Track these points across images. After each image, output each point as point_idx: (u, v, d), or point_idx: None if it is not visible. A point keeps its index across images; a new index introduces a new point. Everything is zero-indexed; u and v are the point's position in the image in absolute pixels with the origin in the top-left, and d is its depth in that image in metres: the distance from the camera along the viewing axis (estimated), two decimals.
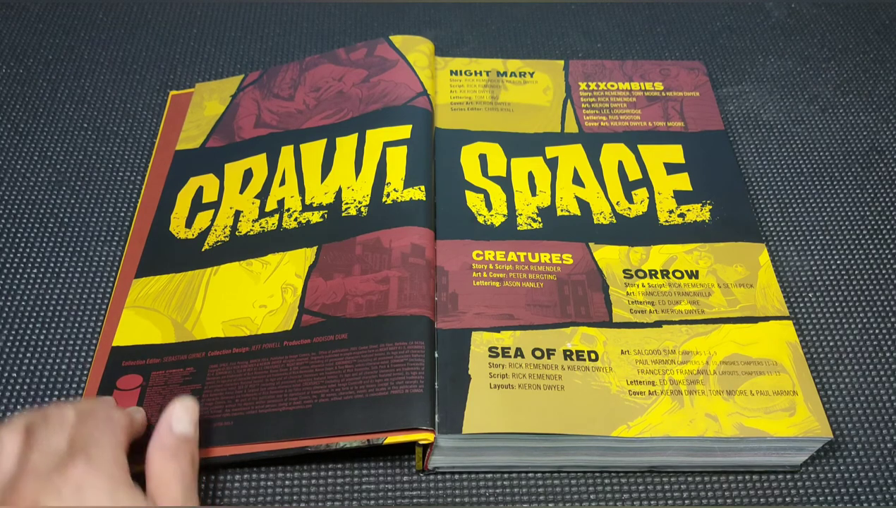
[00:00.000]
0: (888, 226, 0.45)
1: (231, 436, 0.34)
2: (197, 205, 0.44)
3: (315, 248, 0.40)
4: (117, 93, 0.52)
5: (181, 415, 0.31)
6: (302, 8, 0.58)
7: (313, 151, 0.45)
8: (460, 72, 0.50)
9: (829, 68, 0.54)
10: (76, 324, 0.40)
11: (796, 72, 0.54)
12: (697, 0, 0.59)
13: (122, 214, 0.45)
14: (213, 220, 0.43)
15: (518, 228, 0.41)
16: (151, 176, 0.46)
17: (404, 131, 0.44)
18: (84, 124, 0.50)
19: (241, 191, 0.44)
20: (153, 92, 0.52)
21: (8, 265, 0.43)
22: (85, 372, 0.38)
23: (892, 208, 0.46)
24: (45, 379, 0.38)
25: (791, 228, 0.45)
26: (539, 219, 0.42)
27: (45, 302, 0.41)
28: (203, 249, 0.42)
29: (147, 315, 0.39)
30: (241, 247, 0.41)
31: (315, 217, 0.42)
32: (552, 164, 0.45)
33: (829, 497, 0.35)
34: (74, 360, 0.39)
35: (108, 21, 0.57)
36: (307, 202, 0.43)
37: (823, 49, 0.56)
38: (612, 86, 0.50)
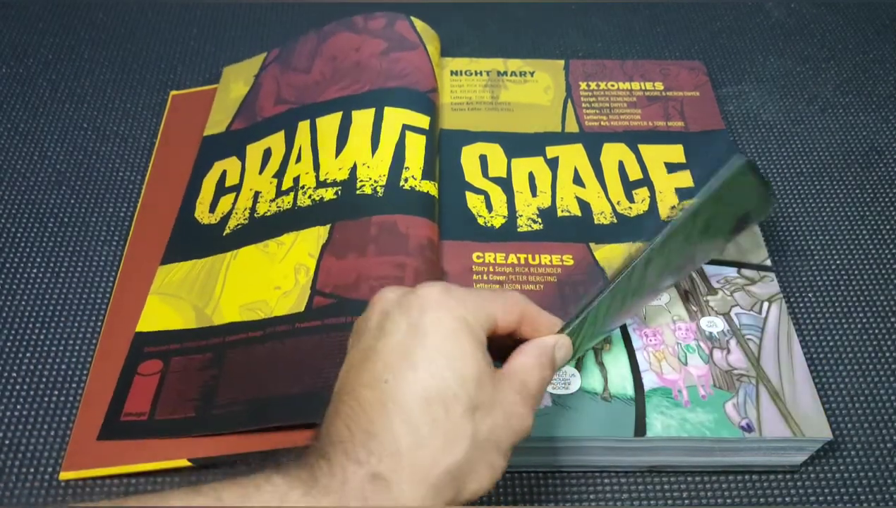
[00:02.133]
0: (888, 226, 0.45)
1: (243, 419, 0.34)
2: (220, 190, 0.44)
3: (328, 226, 0.40)
4: (117, 93, 0.52)
5: (563, 350, 0.29)
6: (302, 8, 0.58)
7: (329, 125, 0.44)
8: (460, 72, 0.50)
9: (829, 68, 0.54)
10: (76, 324, 0.40)
11: (796, 72, 0.54)
12: (697, 0, 0.59)
13: (122, 214, 0.45)
14: (234, 203, 0.43)
15: (518, 229, 0.41)
16: (152, 176, 0.46)
17: (424, 120, 0.44)
18: (84, 124, 0.50)
19: (261, 172, 0.44)
20: (153, 92, 0.52)
21: (8, 265, 0.43)
22: (85, 372, 0.38)
23: (892, 208, 0.46)
24: (45, 379, 0.38)
25: (791, 228, 0.45)
26: (539, 220, 0.42)
27: (45, 302, 0.41)
28: (224, 233, 0.42)
29: (170, 301, 0.39)
30: (259, 229, 0.41)
31: (329, 194, 0.41)
32: (553, 164, 0.45)
33: (828, 497, 0.35)
34: (74, 360, 0.39)
35: (108, 21, 0.57)
36: (321, 178, 0.42)
37: (823, 49, 0.56)
38: (613, 85, 0.50)
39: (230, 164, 0.45)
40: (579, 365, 0.35)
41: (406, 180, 0.41)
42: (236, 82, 0.50)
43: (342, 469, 0.23)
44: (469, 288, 0.27)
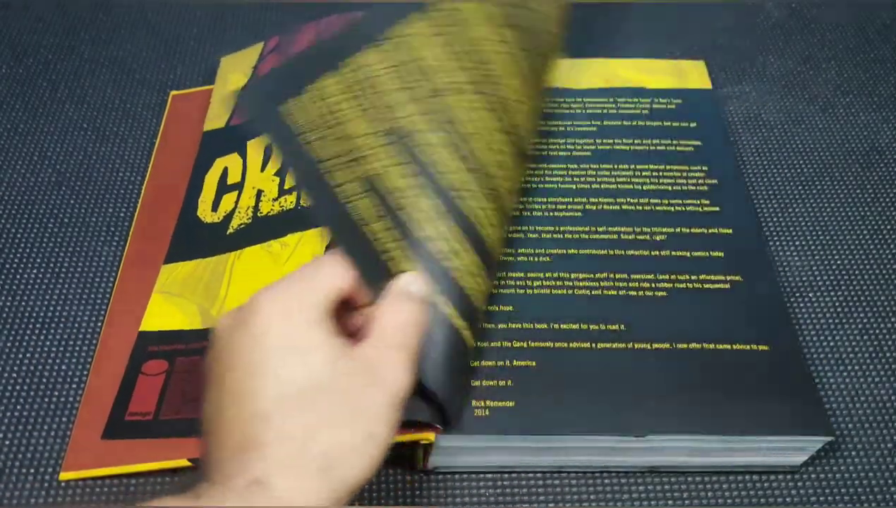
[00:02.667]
0: (888, 226, 0.45)
1: None
2: (222, 188, 0.44)
3: None
4: (117, 93, 0.52)
5: (412, 278, 0.29)
6: (302, 9, 0.58)
7: None
8: None
9: (829, 68, 0.54)
10: (76, 325, 0.40)
11: (796, 72, 0.54)
12: (697, 0, 0.59)
13: (122, 214, 0.45)
14: (236, 202, 0.42)
15: None
16: (152, 176, 0.46)
17: None
18: (84, 124, 0.50)
19: (262, 169, 0.43)
20: (153, 92, 0.52)
21: (8, 265, 0.43)
22: (85, 372, 0.38)
23: (892, 208, 0.46)
24: (44, 379, 0.38)
25: (791, 228, 0.45)
26: None
27: (45, 302, 0.41)
28: (228, 232, 0.41)
29: (174, 301, 0.39)
30: (262, 228, 0.41)
31: None
32: None
33: (829, 498, 0.35)
34: (75, 361, 0.39)
35: (108, 21, 0.57)
36: None
37: (823, 49, 0.56)
38: None
39: (231, 161, 0.45)
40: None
41: None
42: (234, 73, 0.50)
43: (222, 486, 0.24)
44: (297, 272, 0.28)
